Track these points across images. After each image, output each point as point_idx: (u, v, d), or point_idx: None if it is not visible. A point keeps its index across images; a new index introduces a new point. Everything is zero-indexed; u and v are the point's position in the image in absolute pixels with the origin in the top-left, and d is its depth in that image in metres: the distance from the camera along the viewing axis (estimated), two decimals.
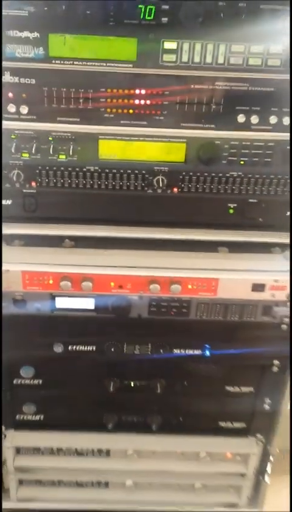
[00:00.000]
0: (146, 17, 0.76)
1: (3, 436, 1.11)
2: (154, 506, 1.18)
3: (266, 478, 1.15)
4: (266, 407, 1.08)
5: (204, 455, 1.12)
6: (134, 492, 1.17)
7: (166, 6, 0.75)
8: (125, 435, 1.13)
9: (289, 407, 1.17)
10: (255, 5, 0.75)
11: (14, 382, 1.06)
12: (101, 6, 0.76)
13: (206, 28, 0.77)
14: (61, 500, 1.17)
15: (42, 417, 1.11)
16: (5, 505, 1.18)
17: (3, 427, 1.11)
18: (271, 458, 1.13)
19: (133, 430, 1.13)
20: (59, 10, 0.75)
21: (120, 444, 1.13)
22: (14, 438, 1.11)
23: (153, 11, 0.76)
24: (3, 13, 0.76)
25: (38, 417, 1.11)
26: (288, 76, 0.81)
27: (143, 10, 0.76)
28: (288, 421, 1.09)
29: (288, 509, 1.28)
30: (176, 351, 1.02)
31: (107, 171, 0.88)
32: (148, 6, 0.75)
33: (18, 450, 1.14)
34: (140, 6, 0.75)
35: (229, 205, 0.91)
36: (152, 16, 0.76)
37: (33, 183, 0.89)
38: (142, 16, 0.76)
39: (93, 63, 0.80)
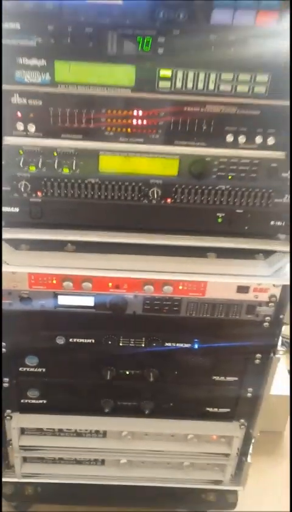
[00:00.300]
0: (144, 48, 0.83)
1: (8, 417, 1.22)
2: (146, 482, 1.30)
3: (249, 458, 1.26)
4: (249, 394, 1.16)
5: (192, 437, 1.21)
6: (127, 470, 1.27)
7: (162, 39, 0.82)
8: (120, 418, 1.21)
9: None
10: (243, 39, 0.83)
11: (20, 369, 1.14)
12: (103, 38, 0.83)
13: (198, 58, 0.84)
14: (61, 476, 1.28)
15: (45, 401, 1.19)
16: (11, 479, 1.30)
17: (9, 410, 1.22)
18: (253, 440, 1.25)
19: (128, 414, 1.20)
20: (65, 41, 0.82)
21: (115, 426, 1.21)
22: (19, 420, 1.19)
23: (150, 42, 0.83)
24: (13, 43, 0.83)
25: (41, 401, 1.19)
26: (272, 102, 0.88)
27: (141, 41, 0.83)
28: (261, 405, 1.18)
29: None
30: (168, 344, 1.11)
31: (106, 183, 0.95)
32: (146, 39, 0.83)
33: (23, 431, 1.22)
34: (138, 38, 0.83)
35: (218, 214, 0.99)
36: (149, 47, 0.83)
37: (39, 193, 0.96)
38: (140, 47, 0.83)
39: (95, 87, 0.87)
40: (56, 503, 1.35)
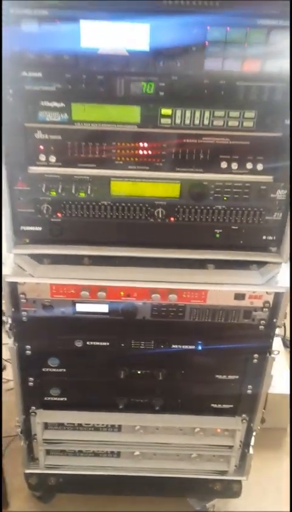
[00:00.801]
0: (147, 91, 0.98)
1: (33, 414, 1.36)
2: (158, 473, 1.43)
3: (251, 450, 1.39)
4: (249, 391, 1.30)
5: (198, 430, 1.35)
6: (140, 461, 1.41)
7: (162, 84, 0.97)
8: (134, 414, 1.34)
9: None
10: (232, 82, 0.97)
11: (43, 370, 1.28)
12: (112, 83, 0.98)
13: (194, 99, 0.99)
14: (80, 467, 1.42)
15: (65, 399, 1.33)
16: (35, 471, 1.44)
17: (33, 407, 1.36)
18: (254, 433, 1.38)
19: (140, 410, 1.34)
20: (80, 86, 0.98)
21: (129, 421, 1.35)
22: (42, 416, 1.34)
23: (153, 86, 0.98)
24: (36, 88, 0.99)
25: (62, 399, 1.33)
26: (259, 134, 1.02)
27: (144, 85, 0.98)
28: (261, 401, 1.31)
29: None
30: (174, 346, 1.25)
31: (117, 204, 1.10)
32: (149, 83, 0.98)
33: (46, 426, 1.37)
34: (142, 83, 0.98)
35: (215, 230, 1.13)
36: (152, 90, 0.98)
37: (59, 214, 1.11)
38: (143, 90, 0.98)
39: (106, 124, 1.02)
40: (77, 493, 1.49)
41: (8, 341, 1.24)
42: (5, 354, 2.05)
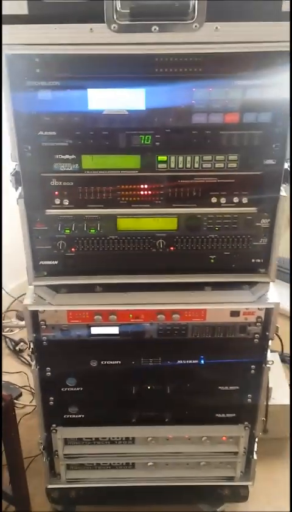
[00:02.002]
0: (145, 142, 1.20)
1: (54, 431, 1.54)
2: (171, 482, 1.60)
3: (254, 455, 1.57)
4: (249, 400, 1.49)
5: (205, 439, 1.53)
6: (154, 471, 1.58)
7: (158, 136, 1.19)
8: (145, 426, 1.52)
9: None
10: (216, 132, 1.19)
11: (62, 389, 1.46)
12: (116, 137, 1.20)
13: (185, 147, 1.20)
14: (98, 480, 1.59)
15: (83, 415, 1.51)
16: (57, 485, 1.61)
17: (54, 424, 1.54)
18: (256, 439, 1.55)
19: (151, 422, 1.52)
20: (88, 141, 1.19)
21: (142, 433, 1.53)
22: (63, 432, 1.52)
23: (150, 138, 1.20)
24: (51, 144, 1.20)
25: (80, 416, 1.51)
26: (243, 173, 1.24)
27: (143, 138, 1.20)
28: (261, 409, 1.49)
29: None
30: (179, 361, 1.44)
31: (123, 238, 1.30)
32: (146, 136, 1.19)
33: (66, 442, 1.55)
34: (141, 136, 1.19)
35: (210, 256, 1.33)
36: (149, 142, 1.20)
37: (73, 249, 1.31)
38: (142, 142, 1.20)
39: (112, 171, 1.23)
40: (96, 504, 1.65)
41: (31, 364, 1.42)
42: (20, 381, 2.24)
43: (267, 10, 1.06)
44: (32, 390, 2.15)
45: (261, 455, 1.59)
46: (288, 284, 2.65)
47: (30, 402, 2.10)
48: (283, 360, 2.19)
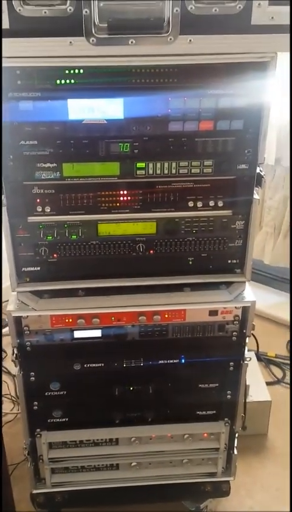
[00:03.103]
0: (123, 150, 1.26)
1: (38, 436, 1.56)
2: (155, 481, 1.64)
3: (235, 451, 1.63)
4: (228, 397, 1.55)
5: (188, 437, 1.57)
6: (138, 471, 1.62)
7: (136, 143, 1.25)
8: (129, 427, 1.56)
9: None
10: (191, 139, 1.26)
11: (46, 394, 1.49)
12: (95, 145, 1.25)
13: (162, 154, 1.27)
14: (83, 482, 1.62)
15: (67, 419, 1.53)
16: (42, 490, 1.63)
17: (38, 429, 1.56)
18: (236, 435, 1.61)
19: (134, 423, 1.55)
20: (69, 150, 1.24)
21: (125, 434, 1.56)
22: (47, 437, 1.54)
23: (128, 146, 1.25)
24: (33, 153, 1.24)
25: (64, 419, 1.53)
26: (217, 177, 1.30)
27: (122, 146, 1.25)
28: (240, 405, 1.55)
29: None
30: (161, 361, 1.49)
31: (104, 243, 1.35)
32: (125, 144, 1.25)
33: (50, 446, 1.58)
34: (120, 144, 1.25)
35: (189, 258, 1.39)
36: (128, 149, 1.25)
37: (55, 255, 1.35)
38: (121, 149, 1.25)
39: (92, 178, 1.28)
40: (82, 507, 1.68)
41: (10, 373, 1.45)
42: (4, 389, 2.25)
43: (236, 23, 1.13)
44: (13, 398, 2.17)
45: (241, 452, 1.65)
46: (262, 285, 2.75)
47: (11, 410, 2.12)
48: (259, 359, 2.27)
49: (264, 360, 2.35)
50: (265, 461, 1.93)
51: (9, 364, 2.32)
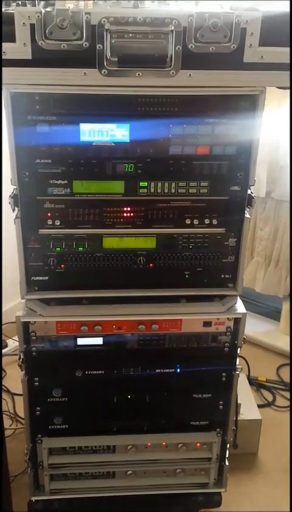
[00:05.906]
0: (128, 170, 1.37)
1: (39, 441, 1.61)
2: (149, 491, 1.67)
3: (226, 462, 1.67)
4: (221, 407, 1.61)
5: (181, 446, 1.63)
6: (133, 479, 1.66)
7: (140, 164, 1.37)
8: (125, 435, 1.62)
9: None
10: (189, 162, 1.38)
11: (48, 400, 1.55)
12: (103, 165, 1.36)
13: (163, 174, 1.38)
14: (80, 490, 1.66)
15: (67, 426, 1.59)
16: (41, 497, 1.66)
17: (39, 435, 1.61)
18: (228, 445, 1.66)
19: (131, 431, 1.61)
20: (79, 168, 1.36)
21: (122, 441, 1.62)
22: (48, 442, 1.60)
23: (133, 167, 1.37)
24: (46, 171, 1.35)
25: (64, 426, 1.59)
26: (213, 197, 1.42)
27: (127, 166, 1.37)
28: (231, 415, 1.61)
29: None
30: (158, 370, 1.56)
31: (108, 255, 1.45)
32: (129, 164, 1.37)
33: (50, 452, 1.63)
34: (125, 164, 1.36)
35: (185, 272, 1.48)
36: (132, 169, 1.37)
37: (62, 265, 1.45)
38: (126, 169, 1.37)
39: (99, 195, 1.40)
40: None
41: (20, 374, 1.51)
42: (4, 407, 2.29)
43: (231, 61, 1.27)
44: (11, 415, 2.21)
45: (231, 469, 1.69)
46: (253, 314, 2.83)
47: (10, 425, 2.16)
48: (250, 383, 2.32)
49: (255, 384, 2.40)
50: (255, 477, 1.95)
51: (8, 383, 2.38)
